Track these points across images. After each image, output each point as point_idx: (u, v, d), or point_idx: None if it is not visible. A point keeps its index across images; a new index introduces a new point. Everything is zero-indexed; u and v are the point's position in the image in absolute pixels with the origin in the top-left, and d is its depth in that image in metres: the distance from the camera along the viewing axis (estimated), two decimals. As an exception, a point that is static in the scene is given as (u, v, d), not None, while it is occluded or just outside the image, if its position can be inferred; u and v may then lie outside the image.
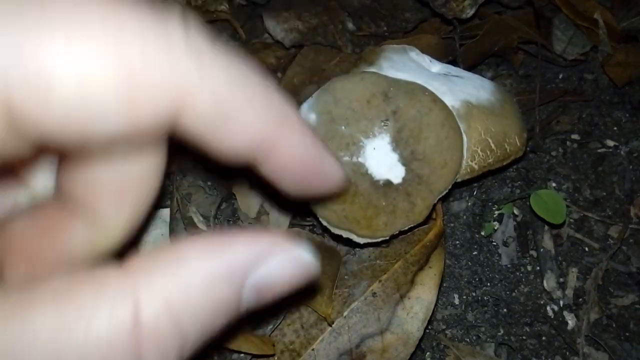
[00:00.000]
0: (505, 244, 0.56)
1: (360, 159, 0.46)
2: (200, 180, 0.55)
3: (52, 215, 0.30)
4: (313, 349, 0.47)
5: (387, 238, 0.46)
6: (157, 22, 0.22)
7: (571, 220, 0.57)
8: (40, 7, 0.20)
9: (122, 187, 0.28)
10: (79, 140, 0.22)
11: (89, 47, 0.20)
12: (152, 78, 0.21)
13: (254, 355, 0.47)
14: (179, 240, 0.24)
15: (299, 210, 0.54)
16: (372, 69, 0.51)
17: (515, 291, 0.54)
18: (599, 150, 0.61)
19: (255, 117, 0.25)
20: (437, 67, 0.55)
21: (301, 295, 0.43)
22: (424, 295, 0.47)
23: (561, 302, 0.53)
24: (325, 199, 0.32)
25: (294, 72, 0.62)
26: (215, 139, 0.24)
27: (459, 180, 0.48)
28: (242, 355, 0.48)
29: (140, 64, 0.21)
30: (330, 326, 0.47)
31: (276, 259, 0.26)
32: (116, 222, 0.29)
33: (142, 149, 0.27)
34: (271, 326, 0.48)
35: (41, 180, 0.32)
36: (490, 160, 0.49)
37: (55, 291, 0.22)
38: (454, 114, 0.48)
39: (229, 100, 0.24)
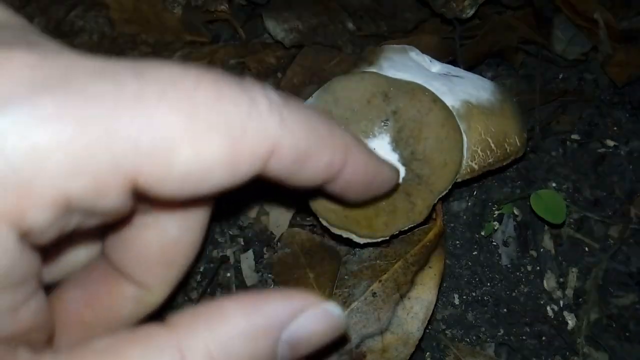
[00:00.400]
0: (505, 244, 0.56)
1: (360, 159, 0.46)
2: None
3: (100, 279, 0.33)
4: (313, 349, 0.47)
5: (387, 238, 0.46)
6: (244, 89, 0.26)
7: (571, 220, 0.57)
8: (150, 83, 0.24)
9: (170, 259, 0.31)
10: (189, 195, 0.26)
11: (202, 124, 0.24)
12: (250, 141, 0.25)
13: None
14: (218, 298, 0.27)
15: (299, 210, 0.54)
16: (372, 69, 0.51)
17: (515, 291, 0.54)
18: (599, 150, 0.61)
19: (326, 153, 0.29)
20: (437, 67, 0.55)
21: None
22: (424, 295, 0.47)
23: (561, 302, 0.53)
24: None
25: (294, 72, 0.62)
26: (296, 175, 0.29)
27: (459, 180, 0.48)
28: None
29: (241, 131, 0.25)
30: (330, 326, 0.47)
31: (308, 313, 0.28)
32: (161, 283, 0.32)
33: (195, 213, 0.31)
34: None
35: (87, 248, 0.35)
36: (490, 160, 0.49)
37: (102, 350, 0.24)
38: (454, 114, 0.48)
39: (306, 145, 0.28)
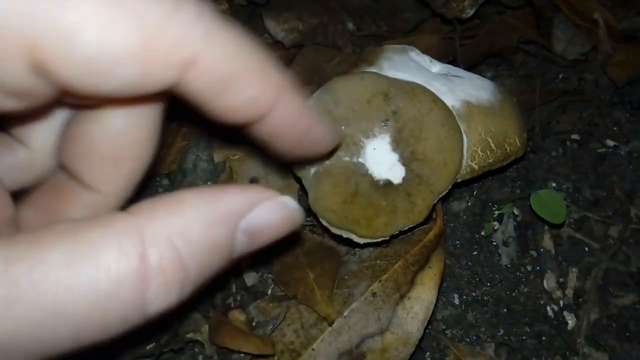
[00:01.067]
0: (505, 244, 0.56)
1: (360, 159, 0.46)
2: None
3: (56, 187, 0.32)
4: (313, 349, 0.47)
5: (387, 238, 0.46)
6: None
7: (571, 220, 0.57)
8: None
9: (118, 156, 0.30)
10: (93, 89, 0.25)
11: (114, 10, 0.23)
12: (165, 42, 0.24)
13: (254, 355, 0.47)
14: (178, 191, 0.27)
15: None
16: (372, 69, 0.51)
17: (515, 291, 0.54)
18: (599, 150, 0.61)
19: (253, 82, 0.28)
20: (437, 67, 0.55)
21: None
22: (424, 295, 0.47)
23: (561, 302, 0.53)
24: (314, 160, 0.36)
25: (294, 72, 0.62)
26: (215, 100, 0.27)
27: (459, 180, 0.48)
28: (242, 355, 0.48)
29: (156, 29, 0.24)
30: (330, 326, 0.47)
31: (264, 204, 0.29)
32: (113, 191, 0.31)
33: (141, 110, 0.30)
34: (271, 326, 0.48)
35: (40, 141, 0.34)
36: (490, 160, 0.49)
37: (63, 232, 0.24)
38: (454, 114, 0.48)
39: (231, 66, 0.26)
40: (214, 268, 0.27)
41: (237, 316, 0.48)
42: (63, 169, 0.33)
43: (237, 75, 0.27)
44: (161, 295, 0.25)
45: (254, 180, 0.55)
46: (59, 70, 0.24)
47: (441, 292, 0.52)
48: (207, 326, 0.49)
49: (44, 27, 0.22)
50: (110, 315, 0.24)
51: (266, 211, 0.29)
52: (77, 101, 0.29)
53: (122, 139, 0.30)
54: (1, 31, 0.22)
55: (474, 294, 0.53)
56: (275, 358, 0.47)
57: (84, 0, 0.23)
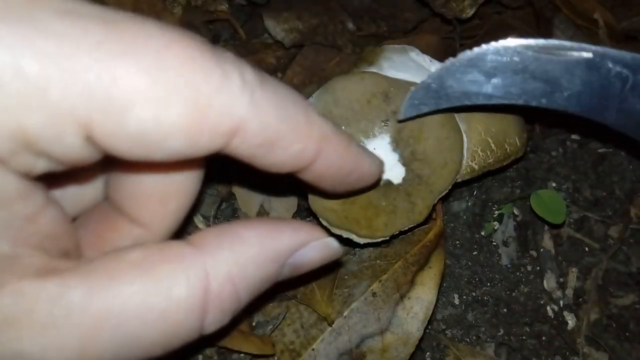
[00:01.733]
0: (505, 244, 0.56)
1: (360, 159, 0.46)
2: None
3: (103, 219, 0.35)
4: (313, 349, 0.47)
5: (387, 238, 0.46)
6: (218, 62, 0.25)
7: (571, 220, 0.57)
8: (120, 33, 0.23)
9: (164, 197, 0.32)
10: (141, 158, 0.26)
11: (167, 84, 0.24)
12: (214, 112, 0.25)
13: (254, 355, 0.47)
14: (236, 223, 0.30)
15: (298, 210, 0.54)
16: (372, 69, 0.51)
17: (515, 291, 0.54)
18: (599, 150, 0.61)
19: (296, 139, 0.29)
20: (437, 67, 0.55)
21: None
22: (424, 295, 0.47)
23: (561, 302, 0.53)
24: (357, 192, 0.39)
25: (294, 72, 0.62)
26: (260, 158, 0.29)
27: (459, 180, 0.48)
28: (242, 355, 0.48)
29: (207, 102, 0.25)
30: (330, 326, 0.47)
31: (312, 245, 0.32)
32: (159, 226, 0.34)
33: (188, 164, 0.32)
34: (271, 326, 0.48)
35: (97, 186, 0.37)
36: (490, 161, 0.49)
37: (137, 265, 0.26)
38: (454, 113, 0.48)
39: (275, 129, 0.28)
40: (261, 292, 0.31)
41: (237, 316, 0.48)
42: (111, 202, 0.34)
43: (281, 136, 0.28)
44: (217, 321, 0.29)
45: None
46: (111, 143, 0.24)
47: (441, 292, 0.52)
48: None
49: (98, 104, 0.23)
50: (175, 340, 0.28)
51: (312, 251, 0.32)
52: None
53: (169, 184, 0.32)
54: (57, 111, 0.23)
55: (474, 294, 0.53)
56: (275, 358, 0.47)
57: (137, 74, 0.23)
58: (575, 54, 0.41)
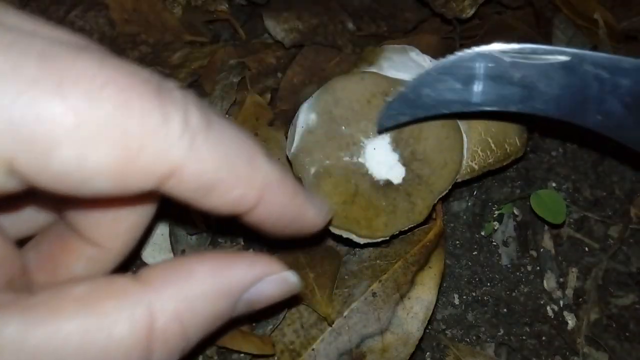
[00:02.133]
0: (505, 244, 0.56)
1: (360, 159, 0.46)
2: None
3: (57, 238, 0.34)
4: (313, 349, 0.47)
5: (387, 238, 0.46)
6: (161, 103, 0.24)
7: (571, 220, 0.57)
8: (54, 70, 0.23)
9: (118, 216, 0.32)
10: (71, 194, 0.25)
11: (93, 122, 0.23)
12: (146, 156, 0.24)
13: (254, 355, 0.47)
14: (187, 257, 0.29)
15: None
16: (372, 69, 0.51)
17: (515, 291, 0.54)
18: (599, 151, 0.61)
19: (237, 187, 0.28)
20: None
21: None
22: (424, 295, 0.47)
23: (561, 302, 0.53)
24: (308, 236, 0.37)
25: (294, 72, 0.62)
26: (198, 201, 0.28)
27: (459, 180, 0.48)
28: (242, 355, 0.48)
29: (138, 147, 0.24)
30: (330, 326, 0.47)
31: (269, 279, 0.31)
32: (114, 245, 0.33)
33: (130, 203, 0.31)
34: (271, 326, 0.48)
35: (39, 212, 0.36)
36: (490, 161, 0.49)
37: (80, 298, 0.26)
38: (454, 114, 0.48)
39: (214, 175, 0.27)
40: (213, 330, 0.30)
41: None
42: (64, 221, 0.34)
43: (219, 182, 0.27)
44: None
45: None
46: (36, 179, 0.24)
47: (441, 292, 0.52)
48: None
49: (22, 141, 0.22)
50: None
51: (269, 286, 0.31)
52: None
53: (116, 221, 0.32)
54: None
55: (474, 294, 0.53)
56: (275, 358, 0.47)
57: (64, 114, 0.22)
58: (552, 57, 0.40)
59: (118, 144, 0.23)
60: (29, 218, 0.35)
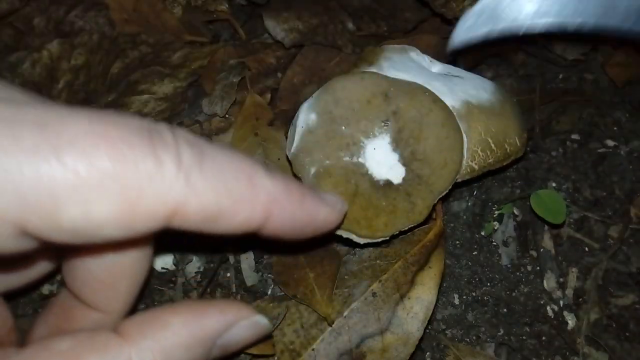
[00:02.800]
0: (505, 244, 0.56)
1: (360, 159, 0.46)
2: None
3: (62, 308, 0.36)
4: (313, 349, 0.47)
5: (387, 238, 0.46)
6: (152, 148, 0.26)
7: (571, 220, 0.57)
8: (49, 135, 0.24)
9: (115, 281, 0.33)
10: (80, 245, 0.27)
11: (95, 181, 0.24)
12: (147, 201, 0.26)
13: (253, 355, 0.47)
14: (163, 308, 0.31)
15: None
16: (372, 69, 0.51)
17: (515, 291, 0.54)
18: (599, 150, 0.61)
19: (243, 210, 0.29)
20: (437, 67, 0.55)
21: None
22: (424, 295, 0.47)
23: (561, 302, 0.53)
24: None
25: (294, 72, 0.62)
26: (209, 229, 0.29)
27: (459, 180, 0.48)
28: (242, 355, 0.48)
29: (137, 194, 0.25)
30: (330, 326, 0.47)
31: (240, 324, 0.33)
32: (115, 308, 0.35)
33: (132, 245, 0.33)
34: (271, 327, 0.48)
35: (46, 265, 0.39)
36: (490, 161, 0.49)
37: (64, 353, 0.28)
38: (454, 114, 0.48)
39: (216, 205, 0.28)
40: None
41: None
42: (69, 291, 0.36)
43: (224, 210, 0.28)
44: None
45: None
46: (47, 236, 0.25)
47: (441, 292, 0.52)
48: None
49: (30, 205, 0.24)
50: None
51: (242, 331, 0.33)
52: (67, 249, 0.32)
53: (117, 266, 0.33)
54: None
55: (474, 294, 0.53)
56: (275, 358, 0.47)
57: (64, 175, 0.24)
58: None
59: (118, 194, 0.25)
60: (24, 273, 0.38)
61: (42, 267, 0.39)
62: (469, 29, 0.42)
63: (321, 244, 0.50)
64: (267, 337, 0.47)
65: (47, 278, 0.41)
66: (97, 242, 0.27)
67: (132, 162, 0.25)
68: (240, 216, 0.29)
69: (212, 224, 0.29)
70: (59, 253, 0.37)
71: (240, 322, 0.33)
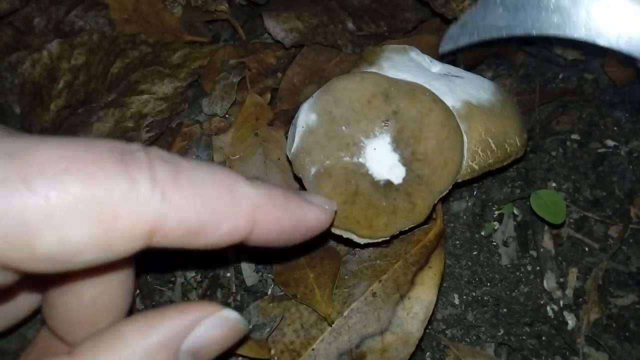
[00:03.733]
0: (505, 244, 0.56)
1: (360, 159, 0.46)
2: None
3: (49, 344, 0.35)
4: (313, 349, 0.47)
5: (388, 238, 0.46)
6: (125, 168, 0.25)
7: (571, 220, 0.57)
8: (19, 165, 0.24)
9: (96, 319, 0.32)
10: (58, 272, 0.26)
11: (68, 206, 0.24)
12: (123, 222, 0.25)
13: (250, 359, 0.47)
14: (119, 321, 0.30)
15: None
16: (373, 69, 0.51)
17: (515, 291, 0.54)
18: (599, 150, 0.61)
19: (225, 222, 0.28)
20: (437, 67, 0.55)
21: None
22: (424, 295, 0.47)
23: (561, 302, 0.53)
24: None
25: (294, 72, 0.62)
26: (193, 244, 0.28)
27: (459, 180, 0.48)
28: (240, 358, 0.48)
29: (112, 215, 0.25)
30: (330, 326, 0.47)
31: (205, 323, 0.30)
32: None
33: (111, 275, 0.32)
34: (268, 329, 0.48)
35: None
36: (490, 161, 0.49)
37: None
38: (455, 114, 0.48)
39: (197, 219, 0.27)
40: None
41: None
42: (50, 331, 0.35)
43: (205, 223, 0.28)
44: None
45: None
46: (24, 267, 0.25)
47: (441, 292, 0.52)
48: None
49: (5, 239, 0.24)
50: None
51: (207, 329, 0.30)
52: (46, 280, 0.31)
53: (98, 304, 0.32)
54: None
55: (474, 294, 0.53)
56: (276, 358, 0.47)
57: (36, 204, 0.24)
58: None
59: (93, 218, 0.25)
60: (5, 310, 0.37)
61: (24, 304, 0.38)
62: (453, 38, 0.51)
63: (317, 245, 0.50)
64: (263, 338, 0.47)
65: (30, 317, 0.40)
66: (76, 267, 0.26)
67: (104, 183, 0.25)
68: (223, 227, 0.28)
69: (195, 239, 0.28)
70: (40, 286, 0.36)
71: (205, 320, 0.31)
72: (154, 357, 0.29)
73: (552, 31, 0.47)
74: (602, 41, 0.47)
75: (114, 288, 0.32)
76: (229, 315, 0.31)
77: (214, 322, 0.31)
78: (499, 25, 0.49)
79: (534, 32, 0.48)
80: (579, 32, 0.47)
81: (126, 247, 0.26)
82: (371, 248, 0.50)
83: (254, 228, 0.30)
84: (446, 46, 0.51)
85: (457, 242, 0.55)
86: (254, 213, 0.30)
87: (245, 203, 0.29)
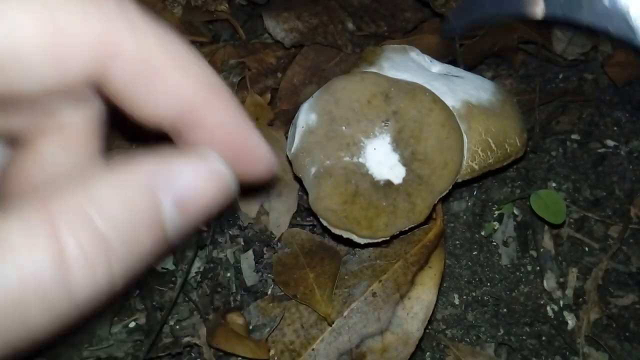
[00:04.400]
0: (505, 244, 0.56)
1: (360, 159, 0.46)
2: None
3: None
4: (313, 349, 0.47)
5: (388, 238, 0.46)
6: None
7: (571, 220, 0.57)
8: None
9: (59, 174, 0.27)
10: (8, 91, 0.23)
11: (25, 6, 0.22)
12: (80, 31, 0.23)
13: (249, 359, 0.47)
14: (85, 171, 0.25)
15: (299, 210, 0.54)
16: (373, 69, 0.51)
17: (515, 291, 0.54)
18: (599, 150, 0.61)
19: (181, 80, 0.25)
20: (437, 67, 0.55)
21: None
22: (424, 295, 0.47)
23: (561, 302, 0.53)
24: (246, 188, 0.31)
25: (294, 72, 0.62)
26: (140, 98, 0.25)
27: (459, 180, 0.48)
28: (240, 359, 0.48)
29: (72, 21, 0.22)
30: (330, 326, 0.47)
31: (188, 168, 0.26)
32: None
33: (77, 103, 0.27)
34: (268, 329, 0.48)
35: None
36: (490, 161, 0.49)
37: None
38: (455, 114, 0.48)
39: (156, 59, 0.24)
40: (145, 243, 0.25)
41: (235, 319, 0.48)
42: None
43: (162, 68, 0.25)
44: (86, 278, 0.23)
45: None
46: None
47: (441, 292, 0.52)
48: (205, 330, 0.49)
49: None
50: (32, 309, 0.22)
51: (192, 177, 0.26)
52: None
53: (60, 171, 0.28)
54: None
55: (474, 294, 0.53)
56: (276, 358, 0.47)
57: None
58: None
59: (47, 18, 0.22)
60: None
61: None
62: (456, 17, 0.49)
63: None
64: (263, 338, 0.47)
65: None
66: (22, 87, 0.23)
67: None
68: (177, 88, 0.25)
69: (146, 86, 0.25)
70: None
71: (186, 166, 0.26)
72: (132, 197, 0.24)
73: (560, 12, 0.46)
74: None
75: (77, 126, 0.28)
76: (217, 166, 0.27)
77: (199, 171, 0.27)
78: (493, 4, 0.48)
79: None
80: (588, 16, 0.45)
81: (81, 61, 0.23)
82: (371, 248, 0.50)
83: (205, 117, 0.27)
84: (449, 27, 0.49)
85: (457, 242, 0.55)
86: (210, 96, 0.27)
87: (205, 78, 0.26)
